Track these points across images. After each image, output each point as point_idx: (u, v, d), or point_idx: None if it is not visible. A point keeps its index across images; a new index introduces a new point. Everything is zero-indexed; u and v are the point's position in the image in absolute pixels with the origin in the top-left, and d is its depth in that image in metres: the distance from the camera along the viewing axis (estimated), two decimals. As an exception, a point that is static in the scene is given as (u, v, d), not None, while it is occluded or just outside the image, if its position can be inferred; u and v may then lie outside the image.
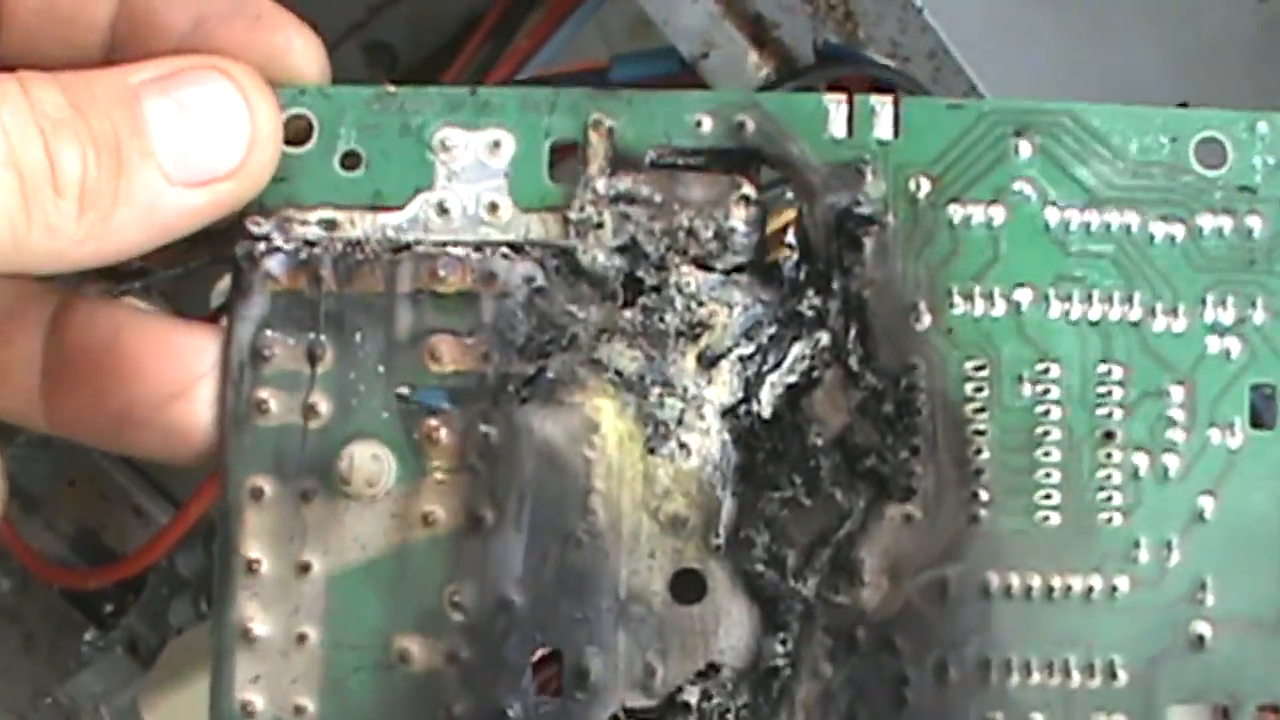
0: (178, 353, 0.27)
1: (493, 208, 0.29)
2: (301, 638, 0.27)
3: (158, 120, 0.26)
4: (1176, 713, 0.29)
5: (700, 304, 0.28)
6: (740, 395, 0.28)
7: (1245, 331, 0.30)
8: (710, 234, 0.29)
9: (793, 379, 0.29)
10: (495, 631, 0.27)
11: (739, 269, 0.29)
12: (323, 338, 0.28)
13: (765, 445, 0.28)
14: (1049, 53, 0.55)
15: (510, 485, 0.28)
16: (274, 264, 0.28)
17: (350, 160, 0.29)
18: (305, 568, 0.27)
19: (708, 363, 0.29)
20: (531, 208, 0.29)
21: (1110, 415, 0.29)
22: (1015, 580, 0.29)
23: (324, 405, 0.28)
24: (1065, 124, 0.30)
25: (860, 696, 0.28)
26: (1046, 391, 0.29)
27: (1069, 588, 0.29)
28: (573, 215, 0.29)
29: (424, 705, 0.27)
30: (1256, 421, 0.30)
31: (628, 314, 0.28)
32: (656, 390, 0.28)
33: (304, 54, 0.29)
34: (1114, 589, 0.29)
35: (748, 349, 0.29)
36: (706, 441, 0.28)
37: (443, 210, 0.29)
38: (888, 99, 0.30)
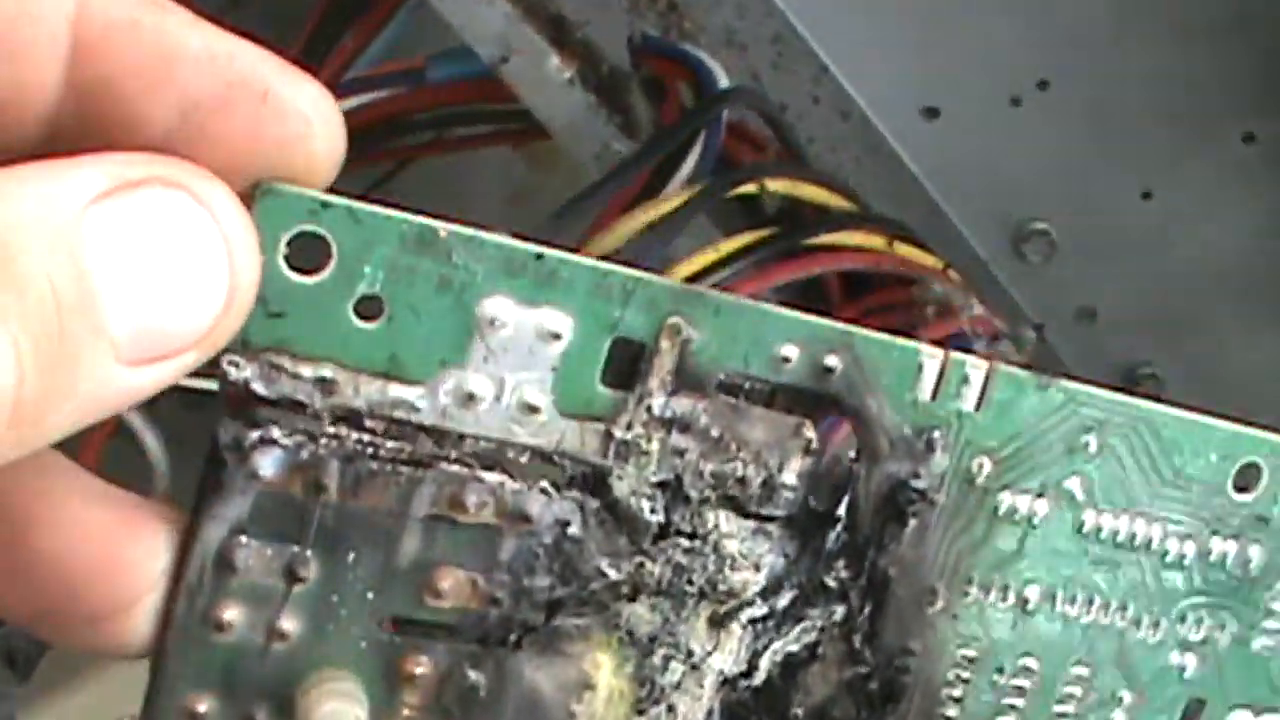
0: (121, 567, 0.21)
1: (530, 409, 0.23)
2: None
3: (110, 271, 0.20)
4: None
5: (735, 566, 0.25)
6: (743, 667, 0.26)
7: (1205, 652, 0.30)
8: (759, 482, 0.25)
9: (795, 649, 0.27)
10: None
11: (770, 518, 0.26)
12: (309, 553, 0.23)
13: (751, 716, 0.26)
14: (903, 32, 0.51)
15: (482, 733, 0.24)
16: (267, 463, 0.23)
17: (369, 308, 0.23)
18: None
19: (718, 623, 0.26)
20: (574, 413, 0.24)
21: (1064, 714, 0.29)
22: None
23: (293, 628, 0.23)
24: (1139, 428, 0.28)
25: None
26: (1017, 686, 0.29)
27: None
28: (618, 433, 0.25)
29: None
30: (1177, 728, 0.31)
31: (656, 569, 0.25)
32: (663, 652, 0.25)
33: (323, 138, 0.22)
34: None
35: (761, 611, 0.26)
36: (695, 707, 0.26)
37: (470, 399, 0.23)
38: (983, 366, 0.26)
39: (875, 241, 0.44)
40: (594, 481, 0.25)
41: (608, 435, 0.25)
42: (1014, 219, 0.47)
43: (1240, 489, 0.31)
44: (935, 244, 0.45)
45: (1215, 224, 0.49)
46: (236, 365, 0.23)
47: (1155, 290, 0.48)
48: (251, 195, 0.23)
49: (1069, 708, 0.31)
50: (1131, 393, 0.30)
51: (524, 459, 0.25)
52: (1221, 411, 0.33)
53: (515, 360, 0.24)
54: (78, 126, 0.21)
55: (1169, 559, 0.30)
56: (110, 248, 0.20)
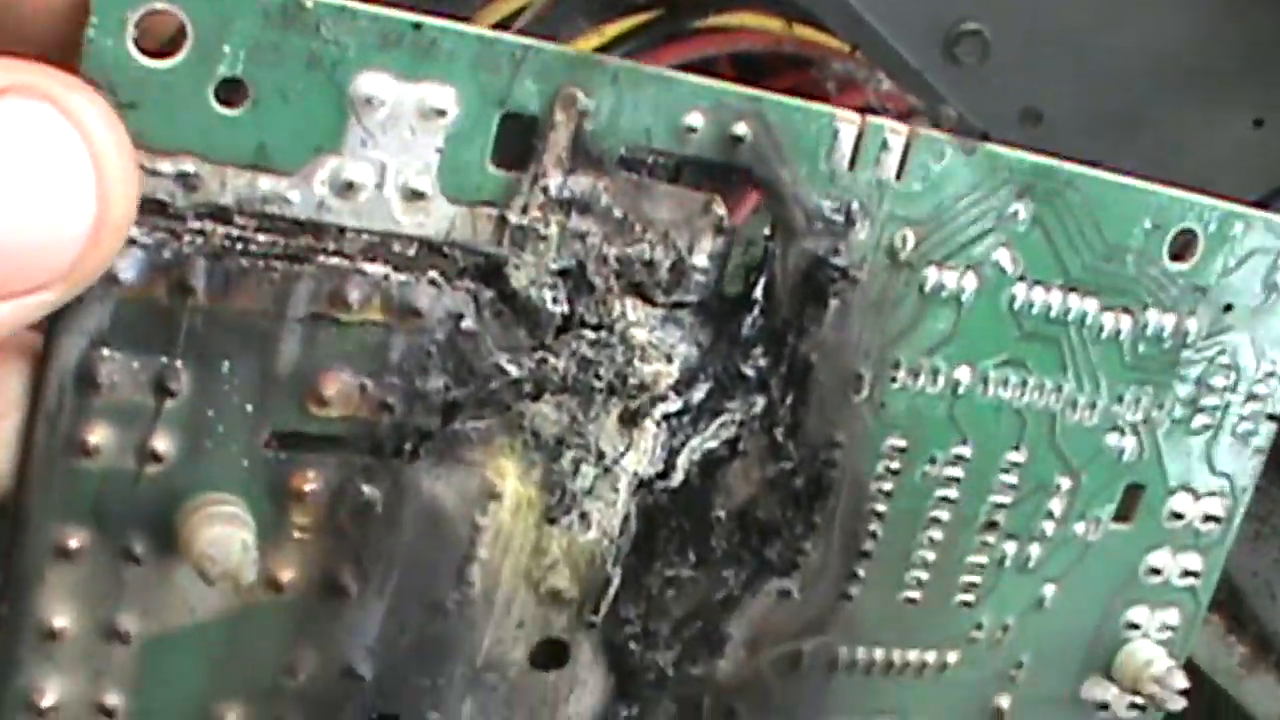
0: None
1: (414, 194, 0.25)
2: (103, 709, 0.26)
3: None
4: (957, 773, 0.35)
5: (644, 359, 0.27)
6: (659, 468, 0.28)
7: (1142, 434, 0.33)
8: (668, 265, 0.27)
9: (714, 445, 0.29)
10: (331, 700, 0.27)
11: (682, 304, 0.28)
12: (179, 364, 0.24)
13: (669, 521, 0.29)
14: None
15: (381, 551, 0.27)
16: (125, 265, 0.23)
17: (231, 92, 0.24)
18: (117, 633, 0.25)
19: (630, 420, 0.28)
20: (463, 199, 0.26)
21: (999, 504, 0.32)
22: (862, 654, 0.33)
23: (167, 448, 0.25)
24: (1067, 193, 0.30)
25: (686, 753, 0.31)
26: (952, 476, 0.31)
27: (907, 663, 0.33)
28: (512, 218, 0.26)
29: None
30: (1118, 515, 0.34)
31: (560, 365, 0.27)
32: (572, 455, 0.28)
33: None
34: (944, 665, 0.33)
35: (675, 406, 0.28)
36: (610, 514, 0.28)
37: (348, 187, 0.25)
38: (903, 130, 0.29)
39: (772, 23, 0.45)
40: (489, 272, 0.27)
41: (501, 220, 0.27)
42: (943, 21, 0.48)
43: (1175, 258, 0.33)
44: (863, 56, 0.46)
45: (1158, 8, 0.51)
46: (86, 160, 0.24)
47: (1101, 85, 0.50)
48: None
49: (1004, 498, 0.33)
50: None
51: (411, 251, 0.26)
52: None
53: (396, 142, 0.25)
54: None
55: (1104, 334, 0.33)
56: None
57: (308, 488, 0.26)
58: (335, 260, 0.25)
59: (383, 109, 0.25)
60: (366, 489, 0.27)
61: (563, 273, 0.27)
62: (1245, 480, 0.36)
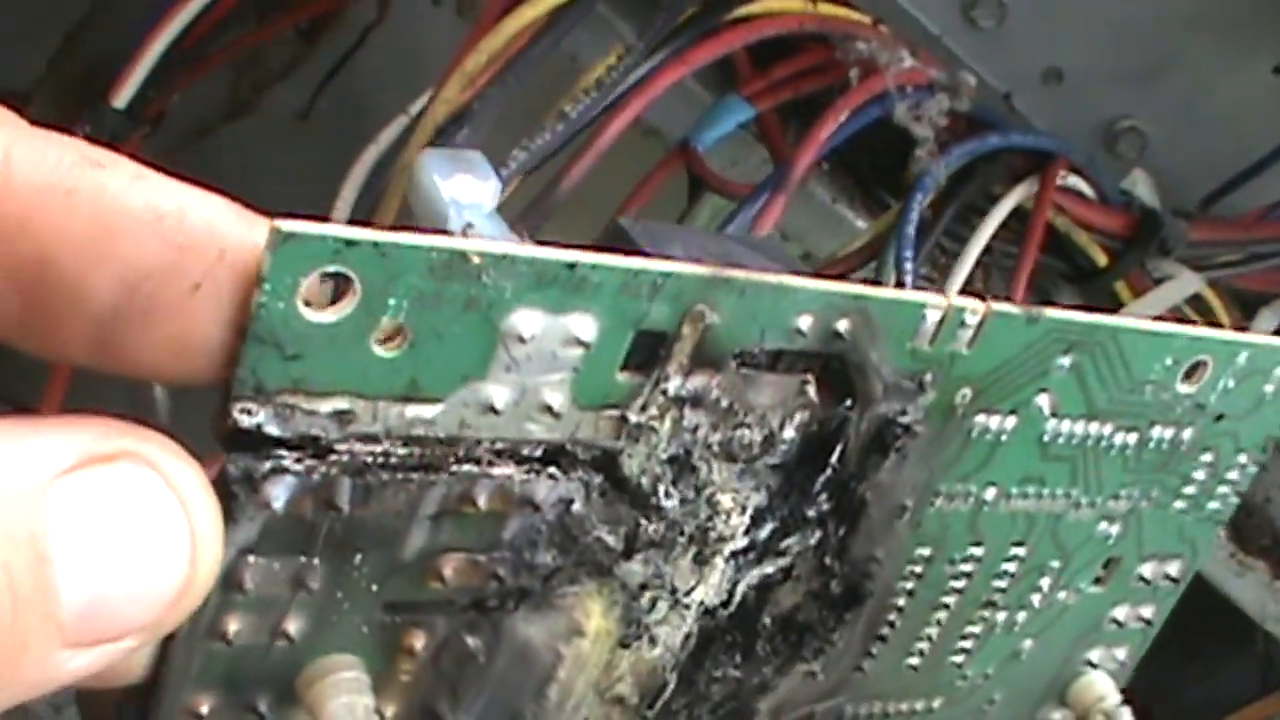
0: None
1: (548, 409, 0.27)
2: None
3: (69, 555, 0.21)
4: (925, 779, 0.41)
5: (726, 517, 0.30)
6: (724, 597, 0.32)
7: (1128, 519, 0.37)
8: (760, 440, 0.30)
9: (771, 571, 0.32)
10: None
11: (763, 462, 0.31)
12: (315, 561, 0.26)
13: (724, 636, 0.33)
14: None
15: (475, 683, 0.30)
16: (278, 492, 0.25)
17: (391, 338, 0.25)
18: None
19: (702, 560, 0.31)
20: (592, 406, 0.28)
21: (1001, 588, 0.37)
22: (864, 709, 0.37)
23: (298, 627, 0.27)
24: (1106, 343, 0.33)
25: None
26: (964, 572, 0.36)
27: (900, 711, 0.38)
28: (632, 417, 0.29)
29: None
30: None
31: (651, 528, 0.30)
32: (649, 595, 0.31)
33: None
34: (930, 709, 0.38)
35: (742, 543, 0.32)
36: (675, 634, 0.32)
37: (489, 409, 0.27)
38: (981, 309, 0.31)
39: (794, 4, 0.45)
40: (604, 462, 0.29)
41: (622, 420, 0.29)
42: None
43: (1184, 379, 0.37)
44: (884, 32, 0.47)
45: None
46: (249, 413, 0.25)
47: (1121, 39, 0.51)
48: (269, 239, 0.24)
49: (1004, 583, 0.38)
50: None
51: (538, 453, 0.28)
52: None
53: (538, 367, 0.27)
54: (16, 311, 0.22)
55: (1113, 452, 0.37)
56: (72, 529, 0.21)
57: (418, 645, 0.29)
58: (467, 467, 0.27)
59: (531, 342, 0.26)
60: (470, 640, 0.30)
61: (670, 460, 0.30)
62: (1205, 546, 0.41)
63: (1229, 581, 0.54)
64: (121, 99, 0.45)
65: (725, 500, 0.31)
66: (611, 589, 0.31)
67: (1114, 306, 0.53)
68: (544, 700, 0.32)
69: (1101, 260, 0.51)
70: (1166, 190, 0.53)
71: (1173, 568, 0.40)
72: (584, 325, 0.27)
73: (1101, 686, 0.41)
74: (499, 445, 0.28)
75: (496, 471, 0.28)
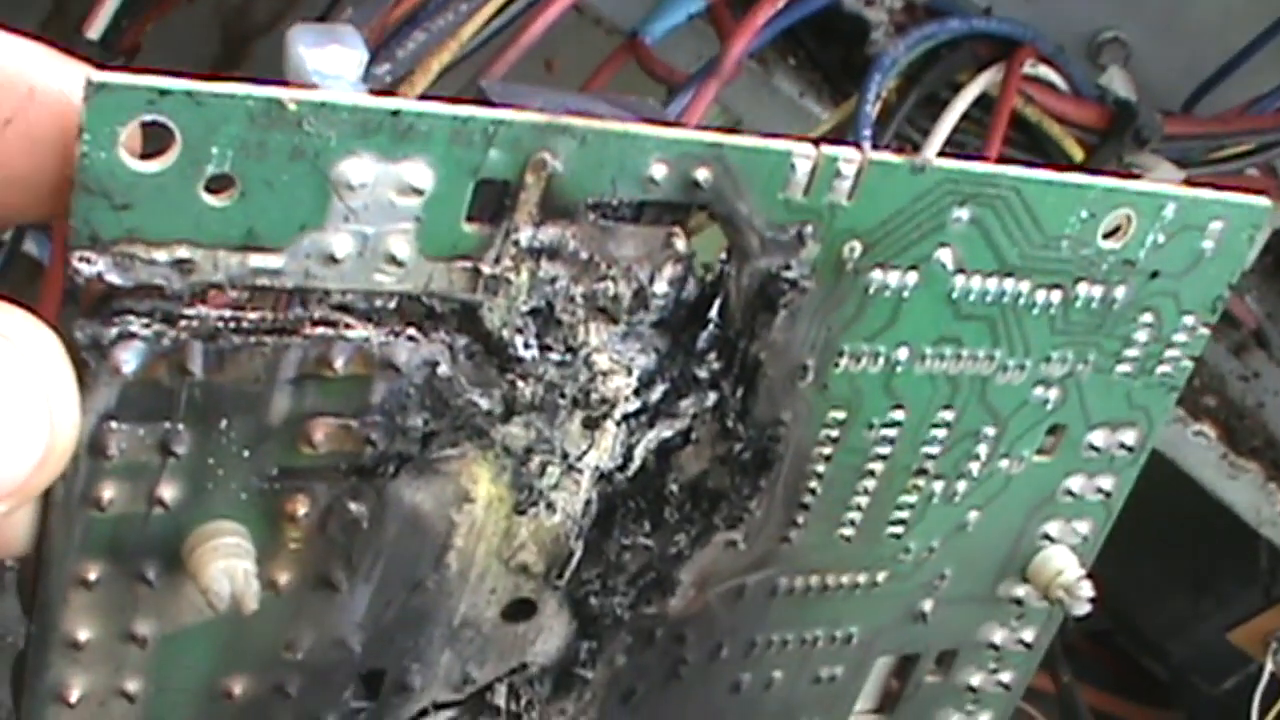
0: None
1: (393, 260, 0.28)
2: (124, 694, 0.31)
3: None
4: (881, 663, 0.41)
5: (605, 377, 0.31)
6: (619, 461, 0.32)
7: (1066, 384, 0.37)
8: (630, 294, 0.31)
9: (669, 434, 0.33)
10: (324, 666, 0.32)
11: (644, 321, 0.31)
12: (180, 427, 0.28)
13: (627, 500, 0.33)
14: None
15: (366, 552, 0.31)
16: (127, 357, 0.27)
17: (219, 185, 0.27)
18: (134, 637, 0.30)
19: (592, 424, 0.32)
20: (439, 256, 0.29)
21: (930, 454, 0.37)
22: (799, 582, 0.38)
23: (173, 494, 0.29)
24: (1008, 196, 0.33)
25: (641, 676, 0.37)
26: (886, 437, 0.36)
27: (840, 584, 0.38)
28: (486, 269, 0.29)
29: (239, 725, 0.32)
30: (1039, 448, 0.38)
31: (528, 390, 0.30)
32: (538, 459, 0.32)
33: None
34: (875, 583, 0.39)
35: (633, 406, 0.32)
36: (574, 500, 0.33)
37: (331, 259, 0.28)
38: (856, 158, 0.31)
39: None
40: (464, 317, 0.30)
41: (476, 272, 0.30)
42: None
43: (1108, 236, 0.36)
44: None
45: None
46: (88, 261, 0.27)
47: None
48: (85, 91, 0.25)
49: (935, 449, 0.38)
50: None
51: (392, 305, 0.29)
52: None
53: (377, 215, 0.28)
54: None
55: (1035, 309, 0.36)
56: None
57: (300, 511, 0.30)
58: (320, 330, 0.28)
59: (363, 190, 0.27)
60: (353, 506, 0.31)
61: (533, 312, 0.30)
62: (1160, 413, 0.40)
63: (1222, 484, 0.54)
64: (95, 30, 0.47)
65: (602, 360, 0.32)
66: (497, 454, 0.32)
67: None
68: (444, 569, 0.33)
69: (1077, 154, 0.50)
70: (1151, 98, 0.52)
71: (1127, 436, 0.40)
72: (419, 173, 0.28)
73: (1060, 560, 0.41)
74: (350, 299, 0.29)
75: (353, 334, 0.29)
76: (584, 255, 0.30)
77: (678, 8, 0.46)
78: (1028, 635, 0.43)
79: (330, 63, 0.33)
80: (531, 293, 0.30)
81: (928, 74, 0.47)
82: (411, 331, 0.29)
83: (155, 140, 0.27)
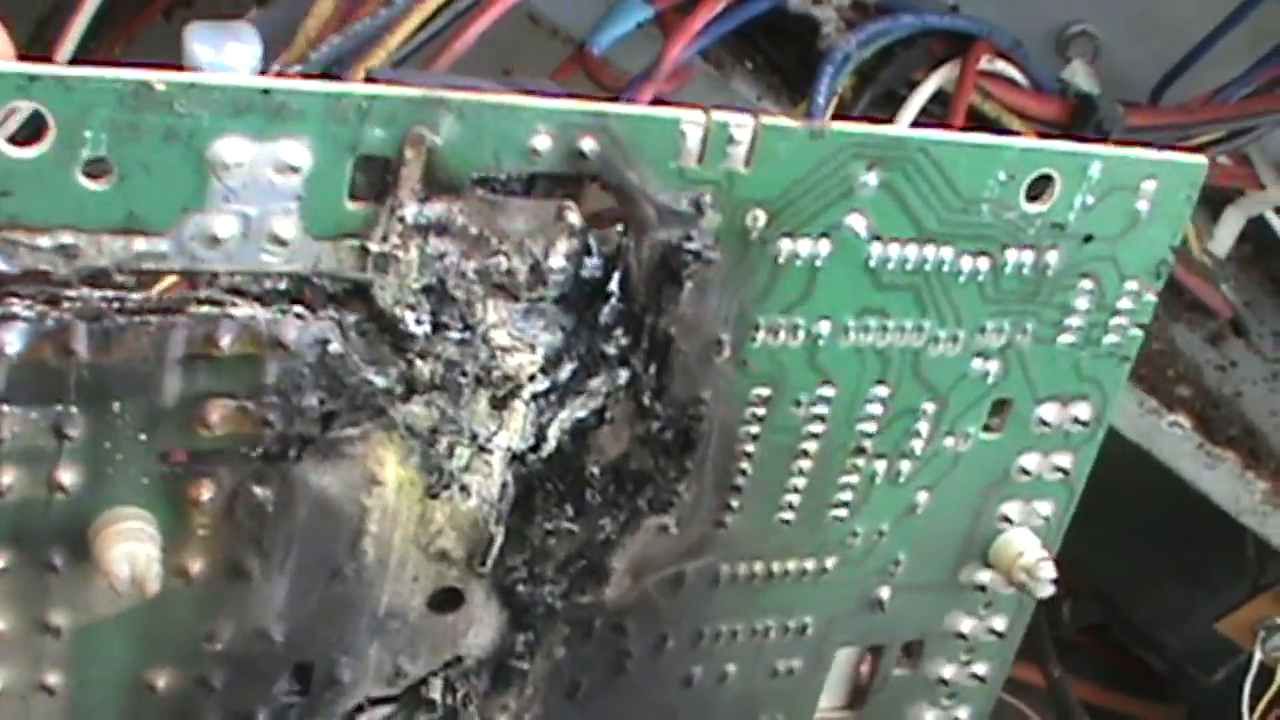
0: None
1: (278, 239, 0.29)
2: (45, 688, 0.32)
3: None
4: (843, 654, 0.41)
5: (507, 353, 0.32)
6: (531, 442, 0.33)
7: (1007, 355, 0.38)
8: (526, 269, 0.32)
9: (583, 415, 0.34)
10: (249, 657, 0.33)
11: (545, 298, 0.32)
12: (73, 410, 0.29)
13: (545, 483, 0.34)
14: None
15: (277, 538, 0.32)
16: (11, 338, 0.28)
17: (97, 170, 0.28)
18: (49, 628, 0.31)
19: (500, 404, 0.33)
20: (325, 236, 0.30)
21: (867, 432, 0.37)
22: (742, 569, 0.38)
23: (73, 479, 0.30)
24: (917, 159, 0.34)
25: (585, 669, 0.38)
26: (817, 414, 0.36)
27: (786, 571, 0.39)
28: (373, 247, 0.31)
29: (169, 721, 0.33)
30: (986, 426, 0.39)
31: (426, 368, 0.32)
32: (446, 440, 0.33)
33: None
34: (824, 569, 0.39)
35: (543, 385, 0.33)
36: (488, 483, 0.34)
37: (215, 240, 0.29)
38: (749, 123, 0.32)
39: None
40: (356, 297, 0.32)
41: (364, 250, 0.31)
42: None
43: (1033, 199, 0.37)
44: None
45: None
46: (-29, 249, 0.28)
47: None
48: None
49: (871, 426, 0.38)
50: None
51: (282, 286, 0.31)
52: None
53: (257, 195, 0.30)
54: None
55: (962, 276, 0.37)
56: None
57: (204, 496, 0.31)
58: (206, 308, 0.30)
59: (240, 169, 0.29)
60: (258, 490, 0.32)
61: (425, 290, 0.32)
62: (1114, 385, 0.40)
63: (1199, 474, 0.54)
64: (63, 54, 0.50)
65: (501, 337, 0.33)
66: (402, 435, 0.33)
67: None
68: (362, 555, 0.34)
69: None
70: (1121, 90, 0.52)
71: (1079, 410, 0.40)
72: (295, 151, 0.29)
73: (1020, 543, 0.41)
74: (240, 281, 0.30)
75: (238, 312, 0.30)
76: (473, 230, 0.32)
77: (625, 17, 0.47)
78: (998, 624, 0.43)
79: (225, 58, 0.34)
80: (422, 270, 0.32)
81: (883, 72, 0.48)
82: (299, 309, 0.31)
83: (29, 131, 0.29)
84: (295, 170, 0.29)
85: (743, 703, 0.41)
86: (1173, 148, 0.51)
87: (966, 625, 0.43)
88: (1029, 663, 0.58)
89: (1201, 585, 0.61)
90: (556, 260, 0.32)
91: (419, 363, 0.32)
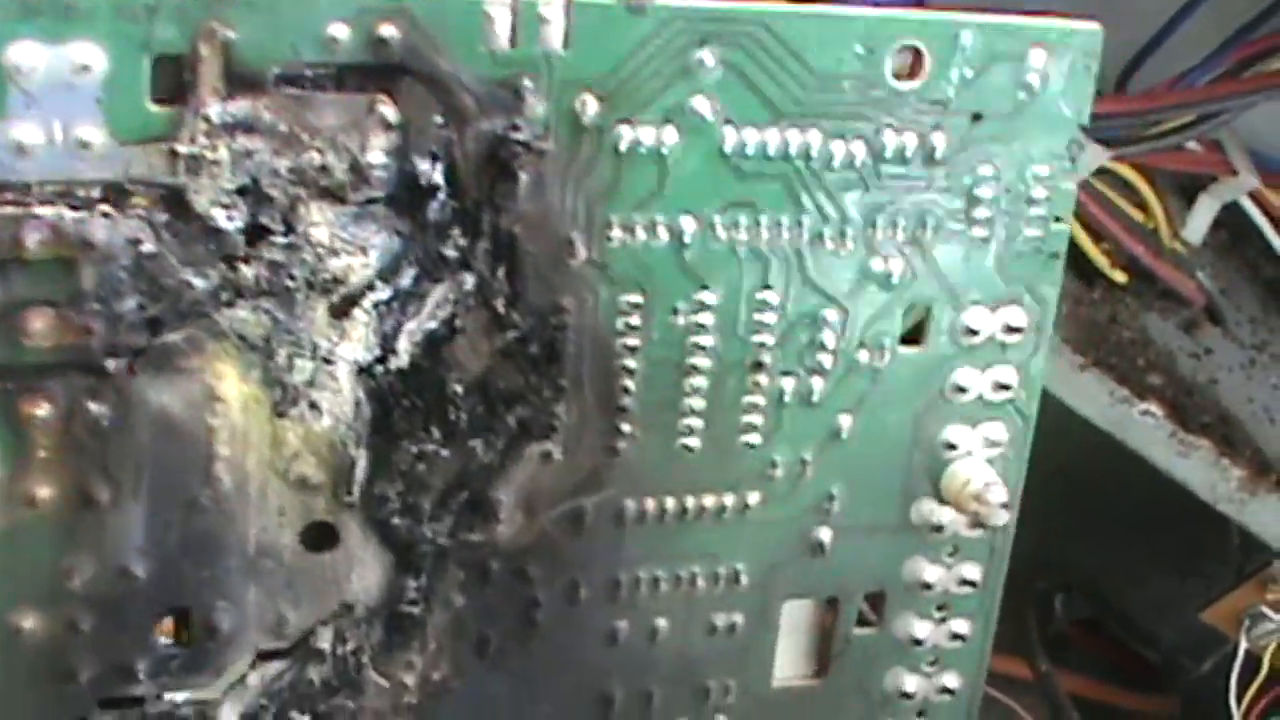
0: None
1: (85, 146, 0.33)
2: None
3: None
4: (790, 607, 0.42)
5: (334, 253, 0.35)
6: (377, 353, 0.36)
7: (910, 253, 0.39)
8: (345, 168, 0.35)
9: (433, 326, 0.36)
10: (116, 598, 0.36)
11: (374, 200, 0.35)
12: (-120, 321, 0.33)
13: (402, 400, 0.37)
14: None
15: (125, 459, 0.35)
16: None
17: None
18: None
19: (339, 312, 0.35)
20: (131, 140, 0.33)
21: (762, 344, 0.38)
22: (651, 505, 0.40)
23: (-105, 396, 0.33)
24: (756, 34, 0.36)
25: (491, 622, 0.39)
26: (700, 323, 0.38)
27: (702, 508, 0.40)
28: (182, 149, 0.34)
29: (46, 675, 0.36)
30: (907, 339, 0.40)
31: (250, 272, 0.34)
32: (284, 352, 0.36)
33: None
34: (746, 506, 0.40)
35: (384, 294, 0.36)
36: (339, 400, 0.36)
37: (21, 149, 0.33)
38: (558, 2, 0.35)
39: None
40: (172, 201, 0.35)
41: (173, 154, 0.35)
42: None
43: (903, 78, 0.39)
44: None
45: None
46: None
47: None
48: None
49: (765, 337, 0.40)
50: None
51: (96, 193, 0.35)
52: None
53: (58, 101, 0.34)
54: None
55: (836, 163, 0.39)
56: None
57: (39, 412, 0.35)
58: (9, 209, 0.34)
59: (36, 74, 0.33)
60: (93, 406, 0.35)
61: (241, 191, 0.35)
62: (1047, 286, 0.41)
63: (1173, 463, 0.57)
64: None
65: (324, 236, 0.36)
66: (236, 346, 0.36)
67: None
68: (217, 483, 0.37)
69: None
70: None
71: (1011, 316, 0.41)
72: (89, 53, 0.33)
73: (966, 471, 0.41)
74: (52, 191, 0.34)
75: (42, 211, 0.34)
76: (282, 128, 0.35)
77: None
78: (970, 572, 0.43)
79: None
80: (235, 170, 0.35)
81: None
82: (105, 208, 0.34)
83: None
84: (89, 71, 0.33)
85: (682, 665, 0.42)
86: (1141, 138, 0.54)
87: (931, 574, 0.43)
88: (1017, 657, 0.62)
89: (1192, 575, 0.64)
90: (375, 156, 0.36)
91: (242, 266, 0.35)
